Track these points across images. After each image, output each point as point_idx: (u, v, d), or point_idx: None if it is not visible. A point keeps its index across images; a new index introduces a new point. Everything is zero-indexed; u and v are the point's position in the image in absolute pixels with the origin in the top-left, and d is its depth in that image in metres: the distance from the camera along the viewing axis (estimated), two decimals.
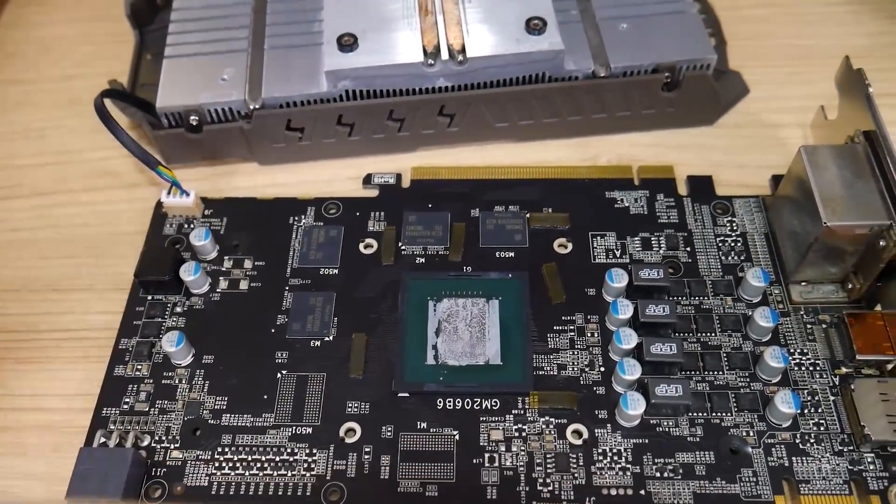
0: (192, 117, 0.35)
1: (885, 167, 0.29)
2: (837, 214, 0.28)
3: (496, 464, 0.28)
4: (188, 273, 0.32)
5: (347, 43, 0.35)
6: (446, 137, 0.37)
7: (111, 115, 0.33)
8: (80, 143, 0.39)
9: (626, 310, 0.30)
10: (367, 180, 0.36)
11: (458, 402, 0.29)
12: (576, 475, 0.28)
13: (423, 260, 0.33)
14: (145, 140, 0.36)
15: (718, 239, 0.33)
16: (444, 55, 0.34)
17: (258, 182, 0.37)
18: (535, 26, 0.35)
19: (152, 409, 0.30)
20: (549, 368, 0.30)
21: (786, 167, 0.33)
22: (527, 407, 0.29)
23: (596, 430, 0.29)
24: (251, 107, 0.35)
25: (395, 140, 0.36)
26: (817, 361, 0.30)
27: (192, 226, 0.35)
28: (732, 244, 0.33)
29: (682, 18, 0.37)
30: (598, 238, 0.33)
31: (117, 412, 0.30)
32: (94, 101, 0.33)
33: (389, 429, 0.29)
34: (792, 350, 0.30)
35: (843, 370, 0.29)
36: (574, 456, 0.28)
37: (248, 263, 0.33)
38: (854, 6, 0.42)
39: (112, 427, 0.29)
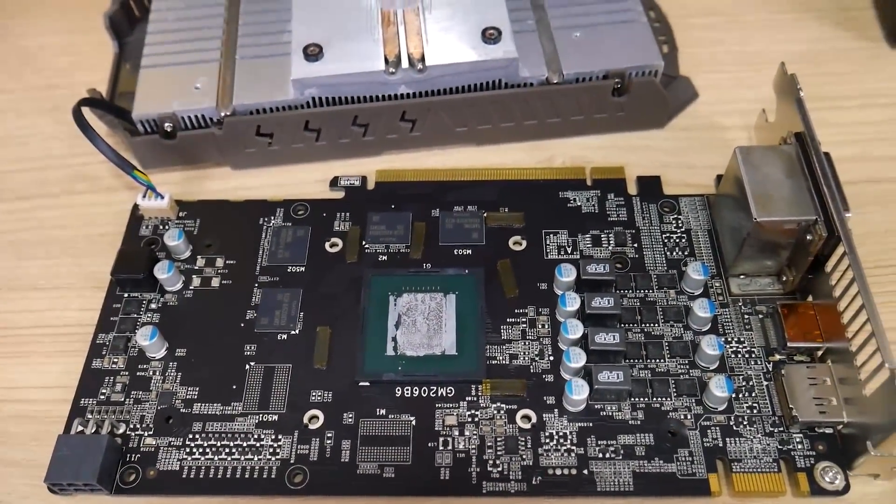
0: (166, 124, 0.37)
1: (813, 166, 0.31)
2: (767, 210, 0.30)
3: (450, 447, 0.30)
4: (162, 271, 0.34)
5: (313, 53, 0.36)
6: (409, 142, 0.39)
7: (89, 123, 0.35)
8: (60, 149, 0.40)
9: (573, 302, 0.32)
10: (334, 183, 0.38)
11: (416, 390, 0.31)
12: (524, 457, 0.30)
13: (385, 258, 0.35)
14: (123, 146, 0.38)
15: (664, 235, 0.35)
16: (405, 63, 0.36)
17: (231, 185, 0.39)
18: (490, 35, 0.37)
19: (127, 399, 0.31)
20: (501, 358, 0.32)
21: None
22: (479, 394, 0.31)
23: (544, 415, 0.30)
24: (222, 114, 0.37)
25: (360, 144, 0.38)
26: (753, 349, 0.32)
27: (166, 227, 0.36)
28: (677, 240, 0.35)
29: (632, 27, 0.39)
30: (551, 235, 0.35)
31: (94, 402, 0.31)
32: (72, 110, 0.35)
33: (350, 415, 0.31)
34: (730, 339, 0.32)
35: (777, 357, 0.31)
36: (523, 439, 0.30)
37: (219, 262, 0.35)
38: (797, 13, 0.44)
39: (89, 416, 0.31)
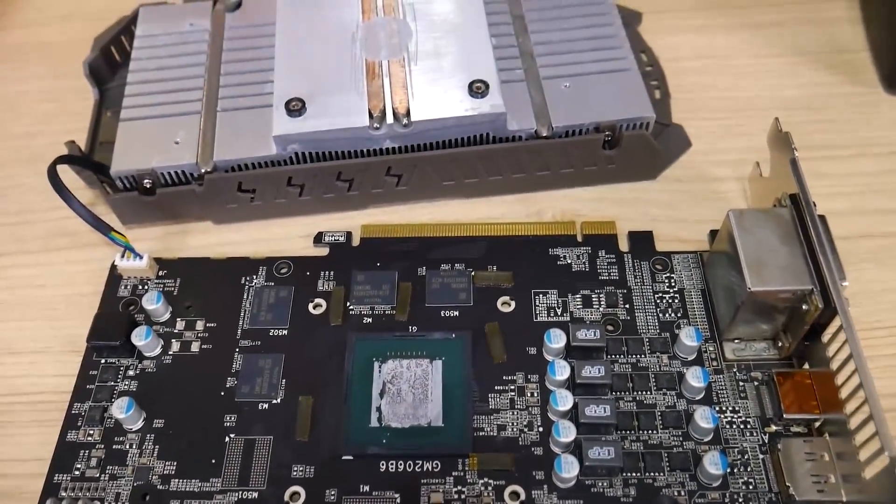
0: (145, 181, 0.36)
1: (809, 232, 0.30)
2: (762, 280, 0.30)
3: None
4: (140, 338, 0.33)
5: (295, 108, 0.35)
6: (395, 196, 0.38)
7: (63, 183, 0.34)
8: (39, 202, 0.39)
9: (563, 371, 0.31)
10: (318, 239, 0.37)
11: (401, 464, 0.30)
12: None
13: (370, 320, 0.34)
14: (101, 202, 0.37)
15: (657, 295, 0.34)
16: (390, 118, 0.35)
17: (212, 241, 0.38)
18: (477, 89, 0.36)
19: (103, 476, 0.30)
20: (489, 429, 0.31)
21: (718, 220, 0.34)
22: (466, 468, 0.30)
23: (533, 491, 0.29)
24: (203, 170, 0.36)
25: (345, 199, 0.37)
26: (748, 419, 0.31)
27: (146, 287, 0.35)
28: (670, 301, 0.34)
29: (624, 77, 0.38)
30: (541, 296, 0.34)
31: (68, 478, 0.30)
32: (47, 169, 0.34)
33: (333, 492, 0.30)
34: (724, 408, 0.31)
35: (773, 428, 0.31)
36: None
37: (199, 325, 0.34)
38: (790, 57, 0.44)
39: (63, 494, 0.30)
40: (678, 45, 0.44)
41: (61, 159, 0.35)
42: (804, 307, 0.29)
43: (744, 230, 0.31)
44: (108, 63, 0.42)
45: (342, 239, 0.37)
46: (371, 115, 0.35)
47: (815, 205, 0.31)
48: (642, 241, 0.36)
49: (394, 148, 0.36)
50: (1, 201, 0.40)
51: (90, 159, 0.38)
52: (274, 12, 0.41)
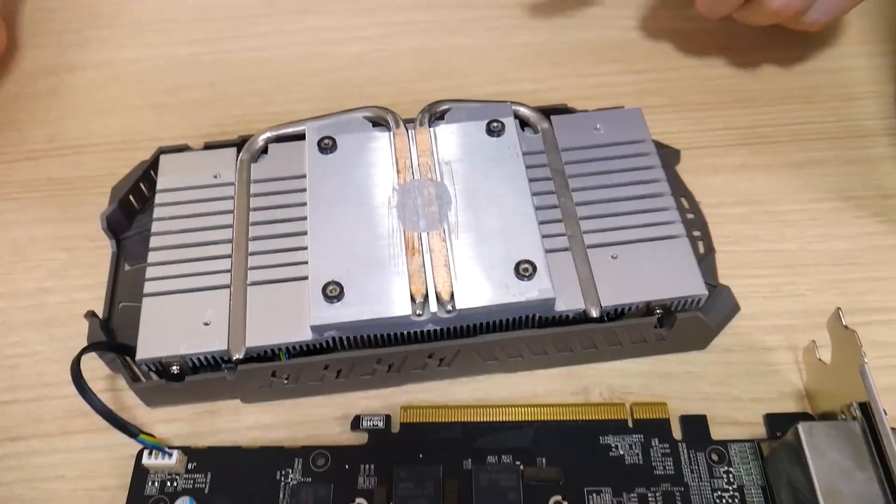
0: (173, 367, 0.34)
1: (885, 453, 0.29)
2: None
3: None
4: None
5: (333, 293, 0.34)
6: (436, 374, 0.36)
7: (87, 384, 0.32)
8: (55, 374, 0.37)
9: None
10: (356, 424, 0.35)
11: None
12: None
13: None
14: (125, 381, 0.35)
15: (715, 494, 0.33)
16: (433, 305, 0.34)
17: (242, 423, 0.36)
18: (524, 271, 0.34)
19: None
20: None
21: (778, 398, 0.33)
22: None
23: None
24: (235, 356, 0.34)
25: (383, 378, 0.36)
26: None
27: (174, 483, 0.33)
28: (730, 500, 0.33)
29: (672, 246, 0.36)
30: (594, 495, 0.33)
31: None
32: (70, 366, 0.32)
33: None
34: None
35: None
36: None
37: None
38: (835, 202, 0.42)
39: None
40: (718, 188, 0.43)
41: (87, 350, 0.33)
42: None
43: (815, 450, 0.29)
44: (126, 212, 0.40)
45: (381, 424, 0.35)
46: (413, 300, 0.34)
47: (886, 413, 0.30)
48: (696, 427, 0.34)
49: (436, 331, 0.34)
50: (14, 374, 0.38)
51: (114, 343, 0.35)
52: (302, 159, 0.39)
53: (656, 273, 0.36)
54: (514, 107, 0.40)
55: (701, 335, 0.37)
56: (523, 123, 0.40)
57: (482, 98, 0.41)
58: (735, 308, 0.38)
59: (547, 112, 0.41)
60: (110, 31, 0.51)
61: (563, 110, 0.42)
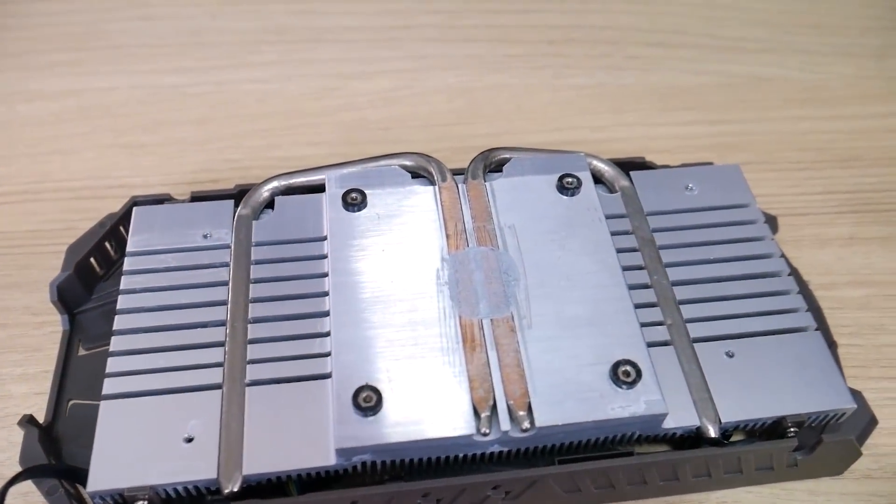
0: (138, 502, 0.24)
1: None
2: None
3: None
4: None
5: (368, 403, 0.25)
6: None
7: None
8: None
9: None
10: None
11: None
12: None
13: None
14: None
15: None
16: (504, 422, 0.25)
17: None
18: (625, 376, 0.25)
19: None
20: None
21: None
22: None
23: None
24: (226, 488, 0.24)
25: None
26: None
27: None
28: None
29: (801, 341, 0.28)
30: None
31: None
32: None
33: None
34: None
35: None
36: None
37: None
38: None
39: None
40: (829, 265, 0.35)
41: (19, 478, 0.24)
42: None
43: None
44: (85, 280, 0.31)
45: None
46: (477, 414, 0.25)
47: None
48: None
49: (501, 453, 0.26)
50: None
51: (58, 467, 0.26)
52: (320, 219, 0.30)
53: (787, 378, 0.27)
54: (587, 158, 0.32)
55: (842, 459, 0.28)
56: (596, 180, 0.32)
57: (536, 147, 0.33)
58: (872, 420, 0.30)
59: (624, 166, 0.33)
60: (80, 55, 0.43)
61: (642, 165, 0.34)
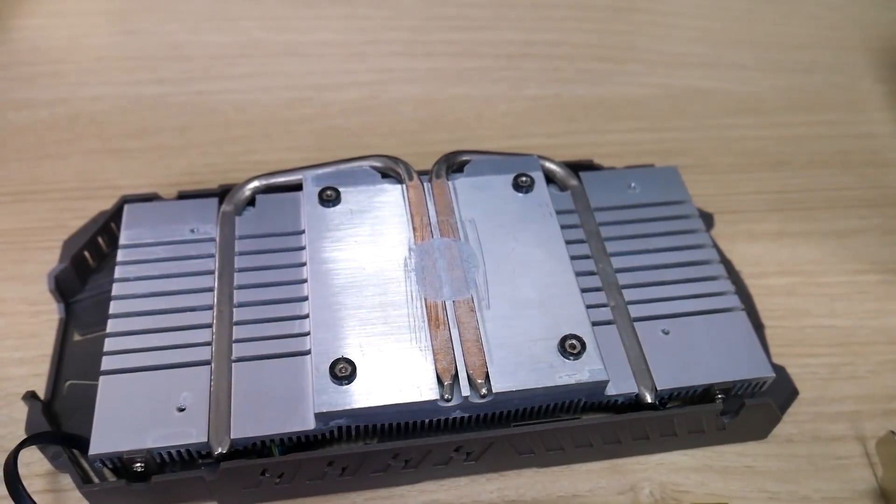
0: (136, 464, 0.27)
1: None
2: None
3: None
4: None
5: (343, 373, 0.28)
6: (459, 470, 0.30)
7: (25, 490, 0.25)
8: None
9: None
10: None
11: None
12: None
13: None
14: (73, 483, 0.28)
15: None
16: (465, 388, 0.28)
17: None
18: (571, 348, 0.29)
19: None
20: None
21: (852, 498, 0.30)
22: None
23: None
24: (216, 451, 0.27)
25: (397, 475, 0.29)
26: None
27: None
28: None
29: (728, 320, 0.32)
30: None
31: None
32: (3, 465, 0.25)
33: None
34: None
35: None
36: None
37: None
38: (882, 274, 0.39)
39: None
40: (759, 257, 0.39)
41: (27, 443, 0.26)
42: None
43: None
44: (80, 271, 0.34)
45: None
46: (440, 382, 0.28)
47: None
48: None
49: (463, 418, 0.29)
50: None
51: (61, 434, 0.28)
52: (298, 214, 0.33)
53: (715, 351, 0.31)
54: (540, 160, 0.36)
55: (764, 424, 0.32)
56: (548, 179, 0.36)
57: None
58: (793, 392, 0.33)
59: (574, 167, 0.37)
60: (66, 66, 0.45)
61: (589, 166, 0.38)
